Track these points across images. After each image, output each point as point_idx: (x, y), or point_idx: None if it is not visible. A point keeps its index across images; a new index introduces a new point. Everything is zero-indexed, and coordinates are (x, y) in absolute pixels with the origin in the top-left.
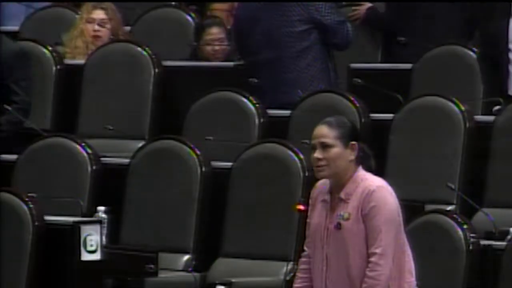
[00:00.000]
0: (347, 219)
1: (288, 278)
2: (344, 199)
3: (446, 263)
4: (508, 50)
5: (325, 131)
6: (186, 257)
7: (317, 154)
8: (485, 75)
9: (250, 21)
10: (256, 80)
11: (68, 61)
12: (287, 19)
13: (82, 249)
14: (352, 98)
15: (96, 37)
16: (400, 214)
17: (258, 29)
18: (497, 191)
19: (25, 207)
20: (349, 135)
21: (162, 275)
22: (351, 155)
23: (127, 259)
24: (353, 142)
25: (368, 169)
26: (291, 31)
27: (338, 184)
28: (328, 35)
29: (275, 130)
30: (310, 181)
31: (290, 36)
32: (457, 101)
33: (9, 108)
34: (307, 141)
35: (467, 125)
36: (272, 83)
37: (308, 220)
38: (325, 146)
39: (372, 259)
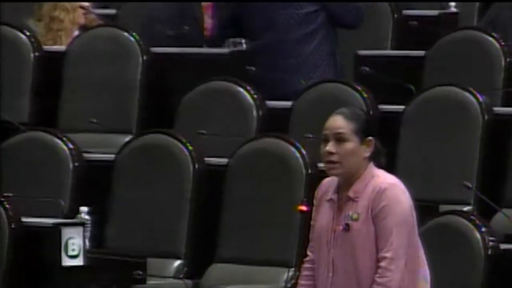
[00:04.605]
0: (356, 219)
1: (289, 285)
2: (352, 198)
3: (463, 268)
4: None
5: (341, 123)
6: (178, 262)
7: (330, 148)
8: None
9: (251, 1)
10: (254, 68)
11: (47, 47)
12: None
13: (63, 253)
14: (359, 89)
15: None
16: (414, 215)
17: (259, 10)
18: None
19: (1, 208)
20: (365, 130)
21: (151, 282)
22: (366, 152)
23: (113, 264)
24: (370, 138)
25: (378, 166)
26: (297, 13)
27: (347, 182)
28: (339, 14)
29: (275, 123)
30: (313, 179)
31: (295, 18)
32: (474, 92)
33: None
34: (310, 135)
35: (486, 117)
36: (272, 71)
37: (312, 222)
38: (340, 139)
39: (382, 263)
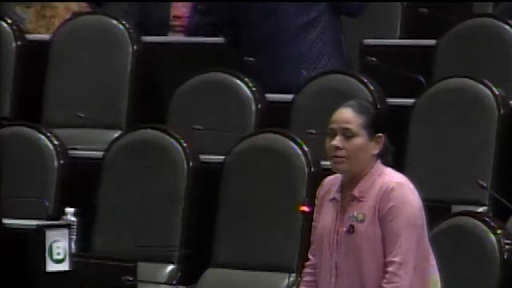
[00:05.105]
0: (362, 221)
1: None
2: (357, 198)
3: (476, 274)
4: None
5: (350, 116)
6: (170, 267)
7: (337, 142)
8: None
9: None
10: (252, 59)
11: (31, 36)
12: None
13: (47, 258)
14: (365, 80)
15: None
16: (424, 217)
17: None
18: None
19: None
20: (374, 125)
21: None
22: (375, 149)
23: (101, 269)
24: (379, 134)
25: (385, 164)
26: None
27: (352, 180)
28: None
29: (275, 118)
30: (316, 178)
31: (295, 5)
32: (489, 84)
33: None
34: (312, 130)
35: (502, 111)
36: (272, 62)
37: (314, 224)
38: (347, 134)
39: (390, 268)
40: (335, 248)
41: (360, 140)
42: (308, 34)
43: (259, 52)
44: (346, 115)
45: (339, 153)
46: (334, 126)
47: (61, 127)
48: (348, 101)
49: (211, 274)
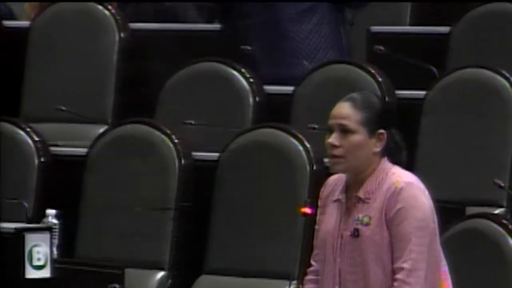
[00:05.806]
0: (367, 224)
1: None
2: (363, 199)
3: (493, 280)
4: None
5: (347, 111)
6: (161, 274)
7: (333, 140)
8: None
9: None
10: (250, 48)
11: (8, 22)
12: None
13: (27, 264)
14: (372, 71)
15: None
16: (435, 219)
17: None
18: None
19: None
20: (377, 121)
21: None
22: (376, 147)
23: (85, 276)
24: (382, 131)
25: (395, 162)
26: None
27: (356, 180)
28: None
29: (274, 112)
30: (319, 177)
31: None
32: (507, 74)
33: None
34: (315, 125)
35: None
36: (271, 51)
37: (316, 227)
38: (345, 131)
39: (399, 276)
40: (338, 253)
41: (357, 137)
42: (303, 25)
43: (255, 41)
44: (344, 110)
45: (336, 151)
46: (332, 121)
47: (42, 122)
48: (352, 93)
49: (205, 282)
